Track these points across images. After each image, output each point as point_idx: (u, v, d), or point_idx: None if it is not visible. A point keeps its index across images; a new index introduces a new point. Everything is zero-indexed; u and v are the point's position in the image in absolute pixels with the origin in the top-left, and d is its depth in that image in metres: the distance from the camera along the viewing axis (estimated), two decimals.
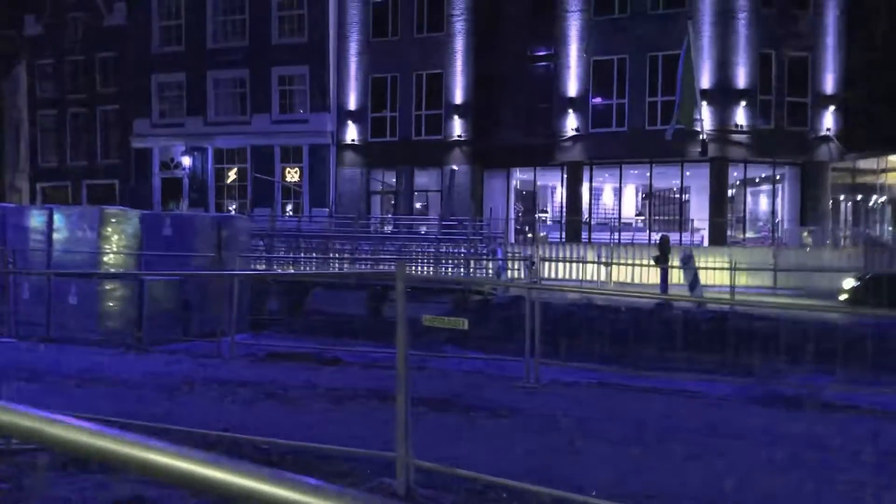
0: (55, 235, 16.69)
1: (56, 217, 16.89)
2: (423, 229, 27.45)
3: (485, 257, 20.36)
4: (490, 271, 20.10)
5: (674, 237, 29.65)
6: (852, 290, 16.87)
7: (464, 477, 4.85)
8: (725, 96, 26.96)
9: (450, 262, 20.58)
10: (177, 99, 34.97)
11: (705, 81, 26.85)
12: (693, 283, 16.87)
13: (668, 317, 16.07)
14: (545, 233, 31.15)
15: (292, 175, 33.89)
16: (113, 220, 16.70)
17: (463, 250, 20.58)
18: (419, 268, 21.22)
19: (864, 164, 27.73)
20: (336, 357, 10.26)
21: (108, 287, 16.72)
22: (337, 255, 22.03)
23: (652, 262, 19.32)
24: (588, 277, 24.03)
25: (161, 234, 18.40)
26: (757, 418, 7.38)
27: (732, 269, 16.45)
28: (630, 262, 21.75)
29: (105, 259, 16.33)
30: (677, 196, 32.07)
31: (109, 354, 11.12)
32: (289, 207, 33.69)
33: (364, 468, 5.19)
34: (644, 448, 5.74)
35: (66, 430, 1.37)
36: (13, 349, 12.17)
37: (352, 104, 32.43)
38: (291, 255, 23.28)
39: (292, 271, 22.13)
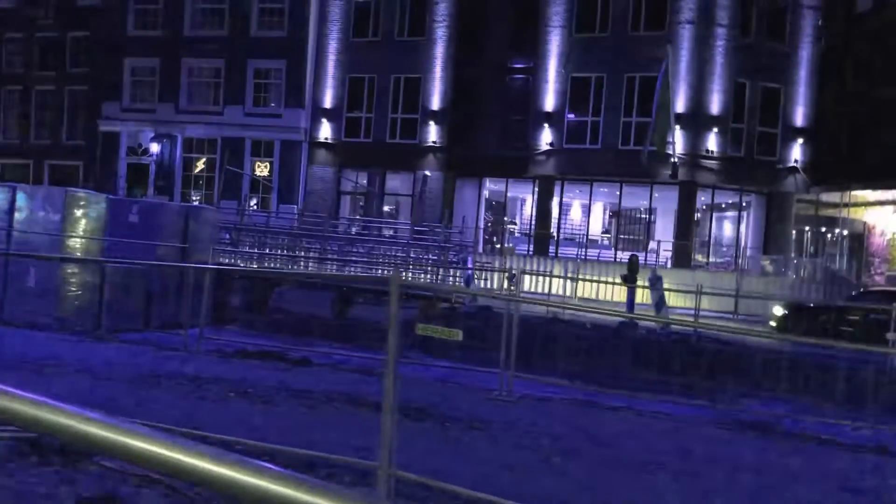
0: (17, 215, 16.25)
1: (19, 196, 16.46)
2: (390, 233, 27.36)
3: (454, 265, 20.32)
4: (458, 279, 20.05)
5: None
6: (781, 318, 17.45)
7: (446, 491, 4.77)
8: (698, 122, 27.34)
9: (419, 268, 20.49)
10: (149, 84, 34.38)
11: (680, 105, 27.19)
12: (659, 303, 17.04)
13: (633, 336, 16.20)
14: (513, 244, 31.23)
15: (262, 170, 33.52)
16: (79, 203, 16.32)
17: (433, 257, 20.51)
18: (387, 272, 21.10)
19: (828, 197, 28.32)
20: (305, 357, 10.10)
21: (69, 271, 16.34)
22: (304, 254, 21.79)
23: (620, 281, 19.45)
24: (554, 292, 24.14)
25: (127, 221, 18.03)
26: (720, 442, 7.44)
27: (698, 292, 16.66)
28: (599, 279, 21.86)
29: (68, 242, 15.94)
30: (644, 216, 32.42)
31: (71, 341, 10.82)
32: (254, 202, 33.28)
33: (342, 475, 5.08)
34: (622, 470, 5.73)
35: (62, 417, 1.26)
36: None
37: (327, 102, 32.19)
38: (257, 251, 22.99)
39: (256, 267, 21.85)
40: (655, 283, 17.33)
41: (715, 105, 27.47)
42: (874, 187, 27.64)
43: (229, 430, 5.75)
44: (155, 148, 33.69)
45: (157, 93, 34.07)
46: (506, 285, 8.70)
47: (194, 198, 33.84)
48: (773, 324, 17.64)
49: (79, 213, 16.21)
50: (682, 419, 8.31)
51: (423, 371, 10.98)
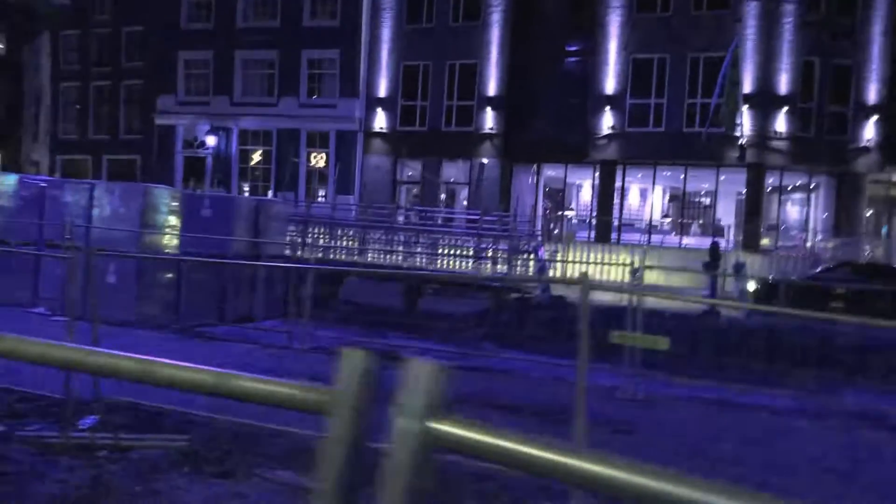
0: (95, 211, 16.30)
1: (97, 192, 16.51)
2: (450, 221, 27.07)
3: (525, 254, 19.99)
4: (530, 269, 19.72)
5: (702, 242, 29.32)
6: (755, 292, 17.14)
7: None
8: (766, 102, 26.54)
9: (488, 258, 20.20)
10: (203, 77, 34.49)
11: (746, 86, 26.42)
12: (743, 290, 16.56)
13: (719, 325, 15.74)
14: (573, 231, 30.75)
15: (318, 161, 33.46)
16: (155, 199, 16.32)
17: (503, 246, 20.20)
18: (456, 262, 20.85)
19: None
20: (394, 353, 9.88)
21: (148, 267, 16.34)
22: (371, 245, 21.63)
23: (702, 268, 18.98)
24: (615, 278, 23.64)
25: (200, 215, 18.03)
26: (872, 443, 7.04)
27: (781, 280, 16.11)
28: (681, 267, 21.37)
29: (146, 238, 15.95)
30: (705, 200, 31.73)
31: (173, 340, 10.74)
32: (321, 193, 33.27)
33: (526, 491, 4.83)
34: (799, 477, 5.39)
35: None
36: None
37: (382, 91, 31.96)
38: (322, 244, 22.89)
39: (330, 258, 21.73)
40: (740, 270, 16.83)
41: (783, 84, 26.63)
42: None
43: None
44: (211, 141, 33.83)
45: (212, 85, 34.17)
46: (625, 278, 8.34)
47: (244, 189, 33.94)
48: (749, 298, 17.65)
49: (156, 208, 16.21)
50: (816, 415, 7.93)
51: (527, 368, 10.67)
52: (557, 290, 19.42)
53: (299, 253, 21.35)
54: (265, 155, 34.04)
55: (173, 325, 14.59)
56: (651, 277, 23.63)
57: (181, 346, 10.27)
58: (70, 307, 6.67)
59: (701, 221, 32.63)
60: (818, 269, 19.73)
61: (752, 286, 18.02)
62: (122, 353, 1.55)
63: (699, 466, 5.60)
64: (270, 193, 32.86)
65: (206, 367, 1.48)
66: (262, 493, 4.77)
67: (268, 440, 5.90)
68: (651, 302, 17.37)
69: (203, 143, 34.33)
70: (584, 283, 4.76)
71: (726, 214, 31.03)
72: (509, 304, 19.45)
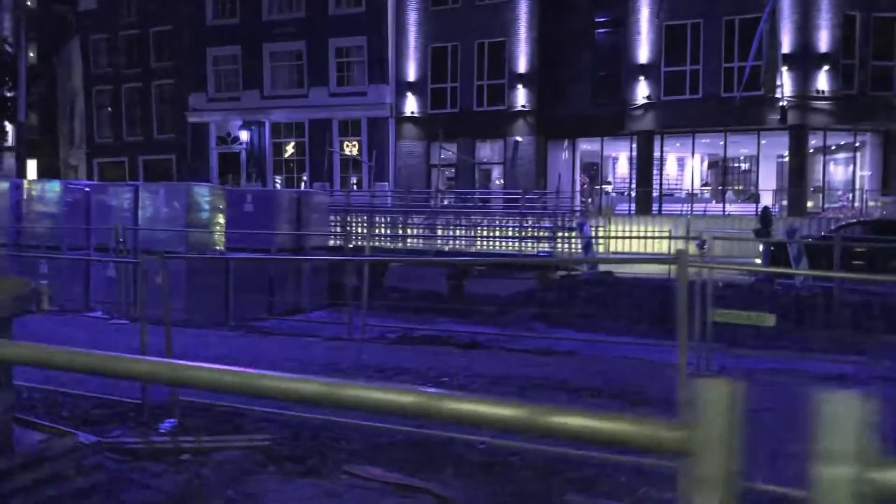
0: (141, 213, 16.39)
1: (141, 195, 16.60)
2: (489, 201, 26.86)
3: (568, 230, 19.75)
4: (577, 247, 19.47)
5: (744, 208, 28.77)
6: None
7: (752, 490, 4.33)
8: (806, 61, 25.85)
9: (533, 236, 20.01)
10: (232, 72, 34.55)
11: (785, 46, 25.74)
12: (798, 255, 16.15)
13: (775, 292, 15.39)
14: (612, 204, 30.37)
15: (351, 148, 33.41)
16: (198, 197, 16.36)
17: (547, 224, 19.99)
18: (502, 243, 20.69)
19: None
20: (474, 341, 9.78)
21: (197, 266, 16.41)
22: (412, 231, 21.54)
23: (753, 235, 18.59)
24: (658, 250, 23.27)
25: (243, 210, 18.09)
26: None
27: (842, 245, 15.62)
28: (729, 236, 21.00)
29: (193, 236, 16.01)
30: (746, 166, 31.09)
31: (231, 337, 10.75)
32: (354, 181, 33.26)
33: (633, 478, 4.70)
34: None
35: None
36: (124, 332, 11.86)
37: (411, 75, 31.75)
38: (363, 232, 22.85)
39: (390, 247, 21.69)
40: (793, 235, 16.42)
41: (823, 42, 25.90)
42: None
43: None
44: (244, 136, 33.94)
45: (241, 80, 34.22)
46: (694, 251, 8.15)
47: (276, 181, 34.02)
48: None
49: (200, 206, 16.25)
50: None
51: (582, 347, 10.48)
52: (603, 266, 19.15)
53: (348, 244, 21.36)
54: (298, 146, 34.09)
55: (226, 321, 14.65)
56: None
57: (243, 342, 10.27)
58: (141, 310, 6.64)
59: (741, 187, 32.02)
60: (832, 228, 19.26)
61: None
62: (302, 377, 1.44)
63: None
64: (304, 184, 32.93)
65: (421, 389, 1.35)
66: (355, 491, 4.69)
67: (348, 435, 5.83)
68: (693, 272, 17.06)
69: (236, 139, 34.46)
70: (681, 259, 4.57)
71: (769, 179, 30.37)
72: (556, 283, 19.25)
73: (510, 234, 20.51)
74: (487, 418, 1.27)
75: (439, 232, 20.28)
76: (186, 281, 16.04)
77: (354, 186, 31.82)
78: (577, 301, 17.69)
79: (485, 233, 21.94)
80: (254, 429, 5.98)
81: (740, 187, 32.33)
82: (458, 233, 22.29)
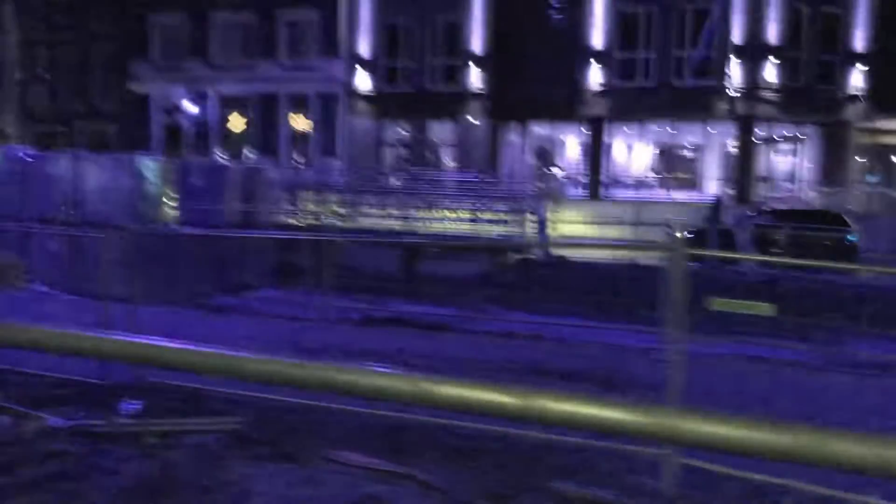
0: (85, 185, 15.78)
1: (83, 163, 15.98)
2: (445, 184, 26.70)
3: (522, 213, 19.77)
4: (529, 228, 19.51)
5: (690, 196, 29.25)
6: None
7: (732, 476, 4.33)
8: (755, 52, 26.30)
9: (487, 218, 19.96)
10: (177, 42, 33.47)
11: (735, 36, 26.15)
12: (744, 243, 16.52)
13: (730, 279, 15.68)
14: (561, 189, 30.52)
15: (300, 124, 32.78)
16: (148, 169, 15.82)
17: (502, 207, 19.97)
18: (458, 224, 20.58)
19: (891, 124, 27.38)
20: (443, 323, 9.66)
21: (147, 242, 15.90)
22: (368, 209, 21.28)
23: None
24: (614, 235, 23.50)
25: (192, 184, 17.59)
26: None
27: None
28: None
29: (142, 211, 15.49)
30: (694, 154, 31.55)
31: (185, 314, 10.41)
32: (297, 157, 32.62)
33: (616, 465, 4.65)
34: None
35: None
36: (72, 306, 11.39)
37: (364, 51, 31.24)
38: (313, 209, 22.46)
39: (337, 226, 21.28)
40: (742, 223, 16.76)
41: (772, 34, 26.38)
42: None
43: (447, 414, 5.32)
44: (188, 107, 32.97)
45: (187, 50, 33.19)
46: (620, 234, 8.08)
47: (224, 157, 33.20)
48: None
49: (149, 179, 15.73)
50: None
51: (542, 329, 10.45)
52: (558, 251, 19.24)
53: (303, 222, 20.95)
54: (245, 120, 33.29)
55: (176, 298, 14.22)
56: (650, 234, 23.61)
57: (198, 321, 9.96)
58: (104, 286, 6.36)
59: (688, 176, 32.53)
60: (747, 216, 19.86)
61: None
62: (387, 370, 1.30)
63: None
64: (250, 159, 32.20)
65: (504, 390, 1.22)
66: (336, 476, 4.54)
67: (321, 418, 5.66)
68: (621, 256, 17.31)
69: (181, 110, 33.47)
70: (678, 248, 4.52)
71: (715, 168, 30.88)
72: (511, 266, 19.26)
73: (467, 215, 20.42)
74: (488, 405, 1.25)
75: (395, 212, 20.05)
76: (137, 256, 15.55)
77: (298, 162, 31.16)
78: (533, 284, 17.74)
79: (446, 214, 21.82)
80: (221, 410, 5.76)
81: (688, 175, 32.85)
82: (418, 214, 22.05)
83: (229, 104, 33.32)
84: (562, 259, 18.65)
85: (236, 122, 33.50)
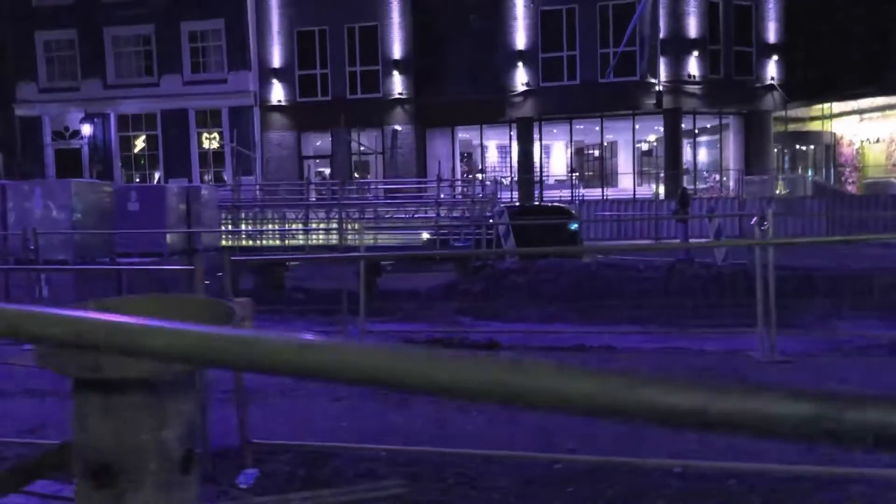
0: (11, 216, 13.91)
1: (10, 193, 14.10)
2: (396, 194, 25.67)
3: (482, 222, 19.01)
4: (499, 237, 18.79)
5: (619, 192, 29.47)
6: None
7: None
8: (677, 46, 26.68)
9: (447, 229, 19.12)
10: (69, 59, 30.87)
11: (658, 32, 26.43)
12: (717, 232, 16.45)
13: (708, 273, 15.51)
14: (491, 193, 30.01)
15: (211, 141, 30.88)
16: (85, 194, 14.12)
17: (456, 214, 19.19)
18: (411, 235, 19.61)
19: (805, 112, 28.41)
20: (493, 341, 8.74)
21: (86, 276, 14.22)
22: (318, 225, 19.98)
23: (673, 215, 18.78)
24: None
25: (127, 209, 15.95)
26: None
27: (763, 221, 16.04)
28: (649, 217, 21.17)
29: (83, 240, 13.75)
30: (623, 150, 31.84)
31: None
32: (207, 177, 30.67)
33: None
34: None
35: None
36: None
37: (276, 61, 29.76)
38: (251, 228, 20.93)
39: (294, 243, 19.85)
40: (712, 212, 16.69)
41: (692, 28, 26.84)
42: (839, 99, 28.08)
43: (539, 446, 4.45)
44: (86, 129, 30.42)
45: (80, 68, 30.66)
46: (757, 231, 7.70)
47: (135, 179, 30.89)
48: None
49: (85, 205, 14.00)
50: None
51: (519, 339, 9.83)
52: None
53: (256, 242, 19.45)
54: (150, 140, 31.07)
55: None
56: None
57: None
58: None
59: (598, 172, 32.80)
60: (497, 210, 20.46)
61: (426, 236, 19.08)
62: None
63: None
64: (160, 181, 30.03)
65: None
66: None
67: (481, 471, 4.67)
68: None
69: (76, 133, 30.87)
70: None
71: (626, 163, 31.21)
72: (476, 274, 18.47)
73: (420, 224, 19.50)
74: None
75: (346, 227, 18.83)
76: (75, 293, 13.87)
77: (209, 181, 29.23)
78: (502, 291, 17.06)
79: (399, 224, 20.84)
80: (359, 474, 4.66)
81: (622, 171, 33.11)
82: (355, 227, 20.87)
83: (132, 124, 31.00)
84: (531, 263, 18.03)
85: (140, 142, 31.21)
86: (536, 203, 25.70)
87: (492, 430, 5.24)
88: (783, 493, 3.87)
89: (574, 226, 19.21)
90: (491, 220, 18.43)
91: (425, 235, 19.98)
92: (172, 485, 2.34)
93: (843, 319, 8.95)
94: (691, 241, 17.21)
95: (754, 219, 9.05)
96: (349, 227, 18.37)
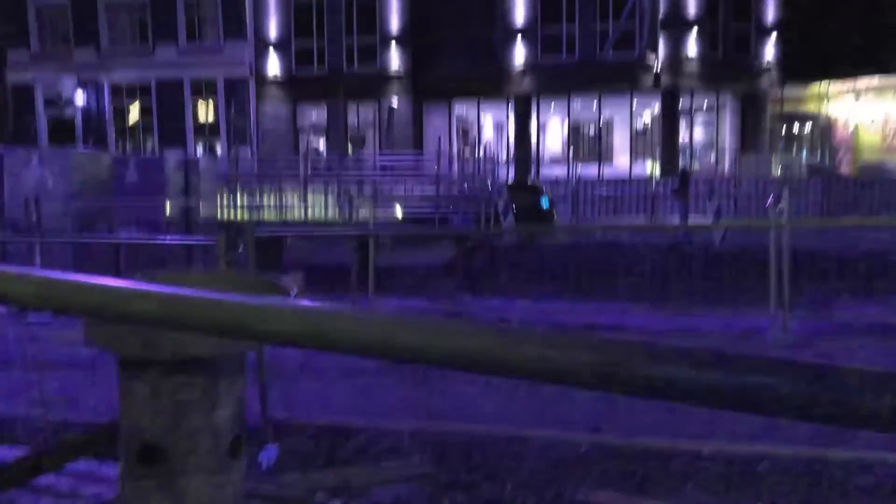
0: (8, 182, 13.80)
1: (7, 161, 13.96)
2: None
3: (481, 200, 18.99)
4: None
5: (617, 172, 29.41)
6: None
7: None
8: (678, 25, 26.56)
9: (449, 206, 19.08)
10: (62, 26, 30.43)
11: (658, 10, 26.30)
12: (717, 213, 16.53)
13: (711, 251, 15.56)
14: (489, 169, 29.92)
15: (206, 112, 30.61)
16: (85, 164, 14.00)
17: (458, 192, 19.15)
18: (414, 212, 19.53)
19: (802, 92, 28.40)
20: (504, 319, 8.79)
21: (86, 249, 14.13)
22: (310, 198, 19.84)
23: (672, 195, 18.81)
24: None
25: (126, 180, 15.87)
26: None
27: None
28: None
29: (82, 213, 13.66)
30: (621, 128, 31.72)
31: None
32: (200, 149, 30.45)
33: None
34: None
35: None
36: None
37: (272, 32, 29.43)
38: (247, 200, 20.78)
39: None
40: (713, 193, 16.74)
41: (692, 7, 26.70)
42: (837, 77, 28.09)
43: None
44: (79, 98, 30.07)
45: (73, 35, 30.24)
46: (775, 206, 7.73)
47: (126, 150, 30.62)
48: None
49: (85, 175, 13.91)
50: None
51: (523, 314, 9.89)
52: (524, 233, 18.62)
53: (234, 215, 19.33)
54: (144, 109, 30.77)
55: None
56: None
57: None
58: None
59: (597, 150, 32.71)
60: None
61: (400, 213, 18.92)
62: None
63: None
64: (153, 151, 29.81)
65: None
66: None
67: (514, 452, 4.70)
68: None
69: (70, 101, 30.51)
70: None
71: (623, 142, 31.11)
72: (477, 250, 18.48)
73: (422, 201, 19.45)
74: None
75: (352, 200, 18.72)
76: (74, 266, 13.81)
77: (199, 152, 28.98)
78: (503, 268, 17.09)
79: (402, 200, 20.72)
80: (383, 451, 4.70)
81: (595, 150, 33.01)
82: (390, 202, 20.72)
83: (126, 93, 30.67)
84: (530, 241, 18.07)
85: (134, 112, 30.92)
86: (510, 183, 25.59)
87: (512, 408, 5.27)
88: (815, 477, 3.93)
89: (545, 203, 19.18)
90: (491, 198, 18.42)
91: (399, 213, 19.72)
92: (221, 468, 2.33)
93: (857, 302, 9.03)
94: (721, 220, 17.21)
95: (769, 199, 9.07)
96: (354, 200, 18.30)
